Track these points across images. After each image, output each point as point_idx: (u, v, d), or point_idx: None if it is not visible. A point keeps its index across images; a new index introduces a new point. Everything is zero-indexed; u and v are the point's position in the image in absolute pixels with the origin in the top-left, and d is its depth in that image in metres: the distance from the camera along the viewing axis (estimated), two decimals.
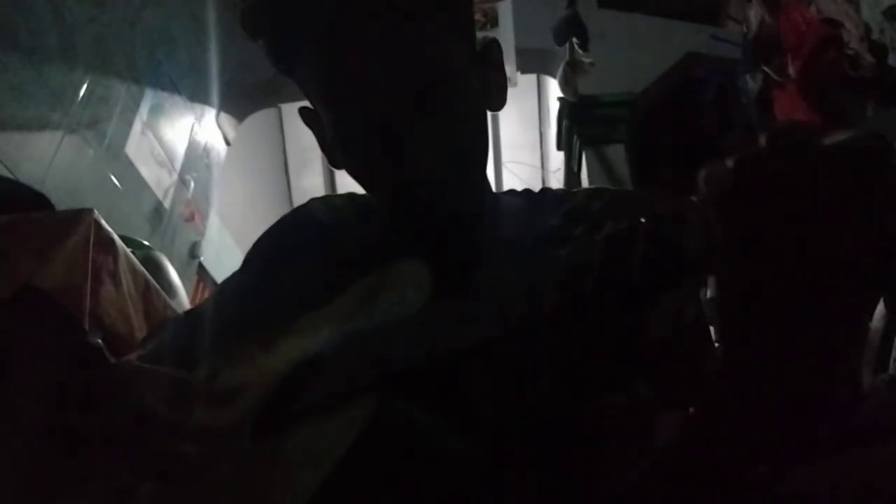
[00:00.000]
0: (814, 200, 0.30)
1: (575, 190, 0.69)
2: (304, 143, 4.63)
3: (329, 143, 0.62)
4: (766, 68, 2.38)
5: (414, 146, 0.55)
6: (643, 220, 0.36)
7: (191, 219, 3.10)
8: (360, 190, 0.77)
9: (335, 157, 0.65)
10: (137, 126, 2.65)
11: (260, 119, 4.00)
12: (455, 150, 0.58)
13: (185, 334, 0.67)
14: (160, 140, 2.84)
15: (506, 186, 0.78)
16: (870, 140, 0.29)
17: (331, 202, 0.75)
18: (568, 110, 2.88)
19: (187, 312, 0.76)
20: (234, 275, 0.73)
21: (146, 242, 2.14)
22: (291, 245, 0.70)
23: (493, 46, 0.66)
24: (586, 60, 2.66)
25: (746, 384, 0.35)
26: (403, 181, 0.56)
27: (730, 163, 0.31)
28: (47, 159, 2.07)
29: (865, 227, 0.29)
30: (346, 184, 0.70)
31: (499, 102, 0.66)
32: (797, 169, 0.30)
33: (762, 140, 0.31)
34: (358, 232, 0.68)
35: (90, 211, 1.36)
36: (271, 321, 0.61)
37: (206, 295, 3.36)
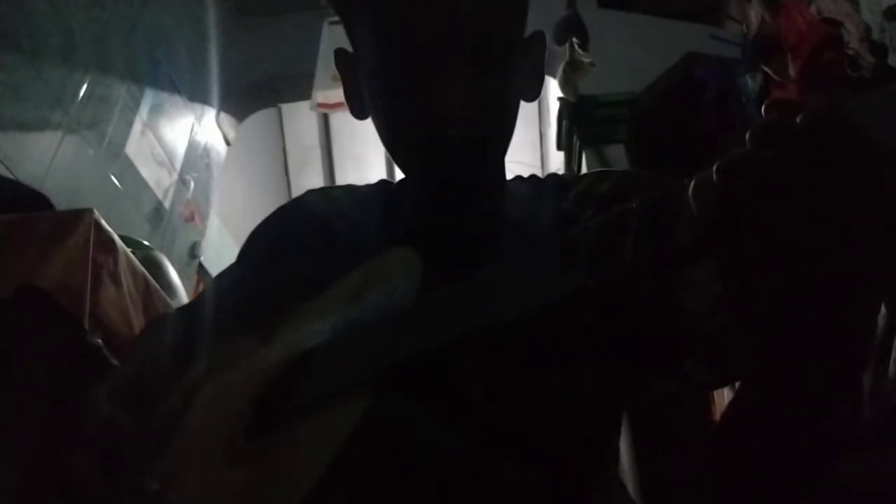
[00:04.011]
0: (800, 191, 0.28)
1: (582, 174, 0.69)
2: (304, 143, 4.63)
3: (363, 82, 0.61)
4: (766, 68, 2.38)
5: (454, 93, 0.54)
6: (633, 205, 0.35)
7: (191, 219, 3.10)
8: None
9: (362, 103, 0.64)
10: (137, 126, 2.65)
11: (260, 119, 3.99)
12: (489, 113, 0.57)
13: (183, 330, 0.67)
14: (160, 140, 2.84)
15: None
16: (824, 115, 0.28)
17: (328, 194, 0.74)
18: (568, 110, 2.88)
19: (184, 307, 0.76)
20: (230, 267, 0.72)
21: (146, 242, 2.14)
22: (287, 237, 0.70)
23: (539, 39, 0.66)
24: (586, 60, 2.66)
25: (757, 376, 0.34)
26: (434, 126, 0.55)
27: (714, 173, 0.30)
28: (47, 159, 2.07)
29: (858, 214, 0.28)
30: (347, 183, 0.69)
31: (532, 93, 0.66)
32: (778, 166, 0.29)
33: (748, 140, 0.30)
34: (355, 223, 0.67)
35: (90, 211, 1.36)
36: (267, 314, 0.61)
37: None
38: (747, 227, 0.30)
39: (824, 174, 0.28)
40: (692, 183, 0.31)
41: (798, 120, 0.28)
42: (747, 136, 0.30)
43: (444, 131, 0.55)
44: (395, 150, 0.61)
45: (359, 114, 0.65)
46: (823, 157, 0.28)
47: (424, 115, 0.55)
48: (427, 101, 0.55)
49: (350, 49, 0.64)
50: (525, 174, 0.72)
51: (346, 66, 0.65)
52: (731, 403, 0.38)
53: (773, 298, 0.31)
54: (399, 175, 0.68)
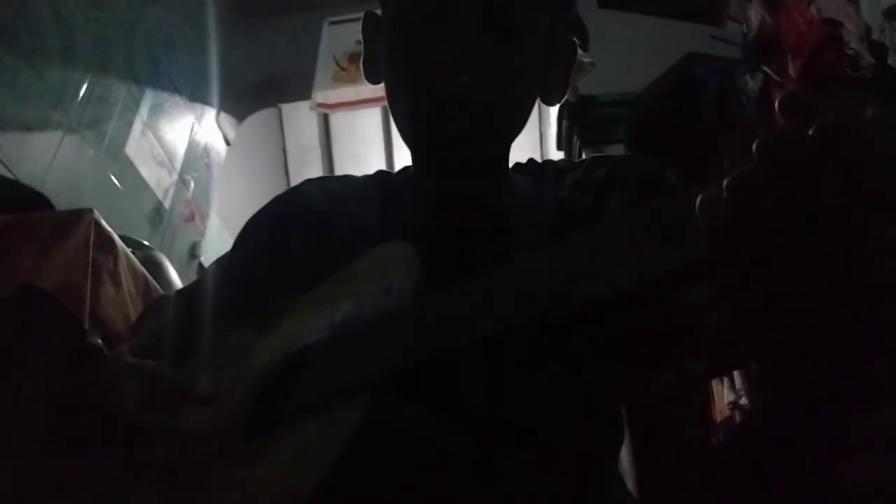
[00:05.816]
0: (812, 208, 0.27)
1: (578, 160, 0.68)
2: (304, 143, 4.63)
3: (381, 45, 0.62)
4: (766, 68, 2.37)
5: (460, 53, 0.54)
6: (644, 211, 0.34)
7: (191, 219, 3.10)
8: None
9: (377, 67, 0.64)
10: (137, 126, 2.65)
11: (260, 119, 3.99)
12: (493, 84, 0.56)
13: (177, 317, 0.66)
14: (160, 140, 2.84)
15: None
16: (837, 128, 0.27)
17: (325, 184, 0.74)
18: (568, 110, 2.88)
19: (179, 293, 0.76)
20: (225, 256, 0.72)
21: (146, 242, 2.14)
22: (283, 227, 0.69)
23: (572, 48, 0.65)
24: (586, 60, 2.66)
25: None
26: (434, 81, 0.54)
27: (723, 188, 0.29)
28: (47, 159, 2.07)
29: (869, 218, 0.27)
30: None
31: (554, 97, 0.65)
32: (790, 182, 0.27)
33: (754, 151, 0.28)
34: (352, 214, 0.66)
35: (90, 211, 1.37)
36: (262, 304, 0.60)
37: None
38: (757, 242, 0.29)
39: (837, 190, 0.27)
40: (699, 199, 0.30)
41: (810, 132, 0.27)
42: (755, 147, 0.28)
43: (444, 87, 0.54)
44: (398, 114, 0.61)
45: (371, 78, 0.66)
46: (836, 172, 0.27)
47: (428, 68, 0.55)
48: (433, 55, 0.55)
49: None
50: None
51: (370, 30, 0.66)
52: (747, 413, 0.38)
53: (783, 314, 0.30)
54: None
